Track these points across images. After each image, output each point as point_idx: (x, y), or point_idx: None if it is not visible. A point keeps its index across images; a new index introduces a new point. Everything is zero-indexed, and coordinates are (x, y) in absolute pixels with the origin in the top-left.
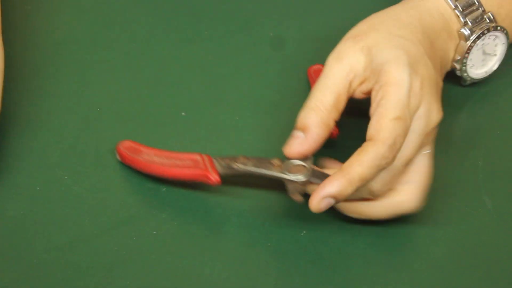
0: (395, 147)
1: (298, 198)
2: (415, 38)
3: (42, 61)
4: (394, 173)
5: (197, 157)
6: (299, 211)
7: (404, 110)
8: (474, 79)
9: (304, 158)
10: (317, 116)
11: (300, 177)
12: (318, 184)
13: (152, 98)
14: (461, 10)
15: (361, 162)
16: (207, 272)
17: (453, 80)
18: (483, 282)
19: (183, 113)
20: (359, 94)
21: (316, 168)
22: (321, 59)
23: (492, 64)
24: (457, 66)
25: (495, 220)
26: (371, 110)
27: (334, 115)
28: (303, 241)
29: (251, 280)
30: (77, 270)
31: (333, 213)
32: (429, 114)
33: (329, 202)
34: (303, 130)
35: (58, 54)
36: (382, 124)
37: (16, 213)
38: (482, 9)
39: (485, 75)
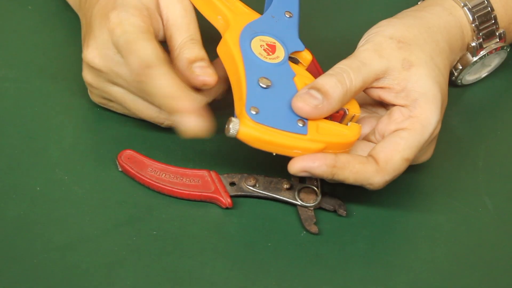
0: (388, 181)
1: (314, 229)
2: (445, 72)
3: (42, 61)
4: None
5: (204, 174)
6: None
7: (416, 153)
8: (464, 84)
9: (312, 181)
10: (343, 91)
11: (311, 204)
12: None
13: None
14: (478, 24)
15: (353, 171)
16: (208, 272)
17: (450, 80)
18: (483, 282)
19: None
20: (376, 95)
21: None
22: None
23: (484, 72)
24: (455, 73)
25: (495, 220)
26: (385, 124)
27: (350, 99)
28: (303, 241)
29: (251, 280)
30: (77, 270)
31: (333, 213)
32: (421, 156)
33: (306, 175)
34: (324, 95)
35: (58, 54)
36: (393, 159)
37: (16, 213)
38: (497, 26)
39: (474, 81)
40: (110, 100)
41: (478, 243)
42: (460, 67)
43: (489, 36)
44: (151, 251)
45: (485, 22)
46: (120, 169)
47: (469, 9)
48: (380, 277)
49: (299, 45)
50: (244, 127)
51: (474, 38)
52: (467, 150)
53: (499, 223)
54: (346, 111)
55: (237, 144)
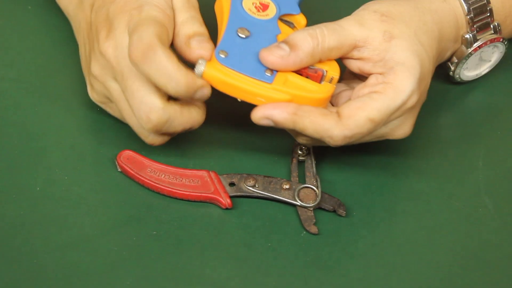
0: (349, 140)
1: (314, 230)
2: (430, 52)
3: (42, 61)
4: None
5: (204, 174)
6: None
7: (384, 117)
8: (463, 80)
9: (312, 181)
10: (312, 45)
11: (310, 204)
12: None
13: None
14: (472, 16)
15: (313, 121)
16: (208, 272)
17: (449, 76)
18: (483, 282)
19: None
20: (355, 67)
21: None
22: None
23: (485, 68)
24: (452, 67)
25: (495, 220)
26: (359, 88)
27: (322, 57)
28: (303, 241)
29: (251, 280)
30: (77, 270)
31: (333, 214)
32: (397, 129)
33: (269, 123)
34: (291, 47)
35: (58, 54)
36: (357, 115)
37: (16, 213)
38: (492, 18)
39: (475, 77)
40: (108, 100)
41: (478, 243)
42: (456, 61)
43: (483, 28)
44: (151, 251)
45: (480, 14)
46: (119, 170)
47: (465, 1)
48: (380, 277)
49: (295, 9)
50: (209, 68)
51: (468, 30)
52: (467, 150)
53: (499, 223)
54: (325, 72)
55: (236, 144)
